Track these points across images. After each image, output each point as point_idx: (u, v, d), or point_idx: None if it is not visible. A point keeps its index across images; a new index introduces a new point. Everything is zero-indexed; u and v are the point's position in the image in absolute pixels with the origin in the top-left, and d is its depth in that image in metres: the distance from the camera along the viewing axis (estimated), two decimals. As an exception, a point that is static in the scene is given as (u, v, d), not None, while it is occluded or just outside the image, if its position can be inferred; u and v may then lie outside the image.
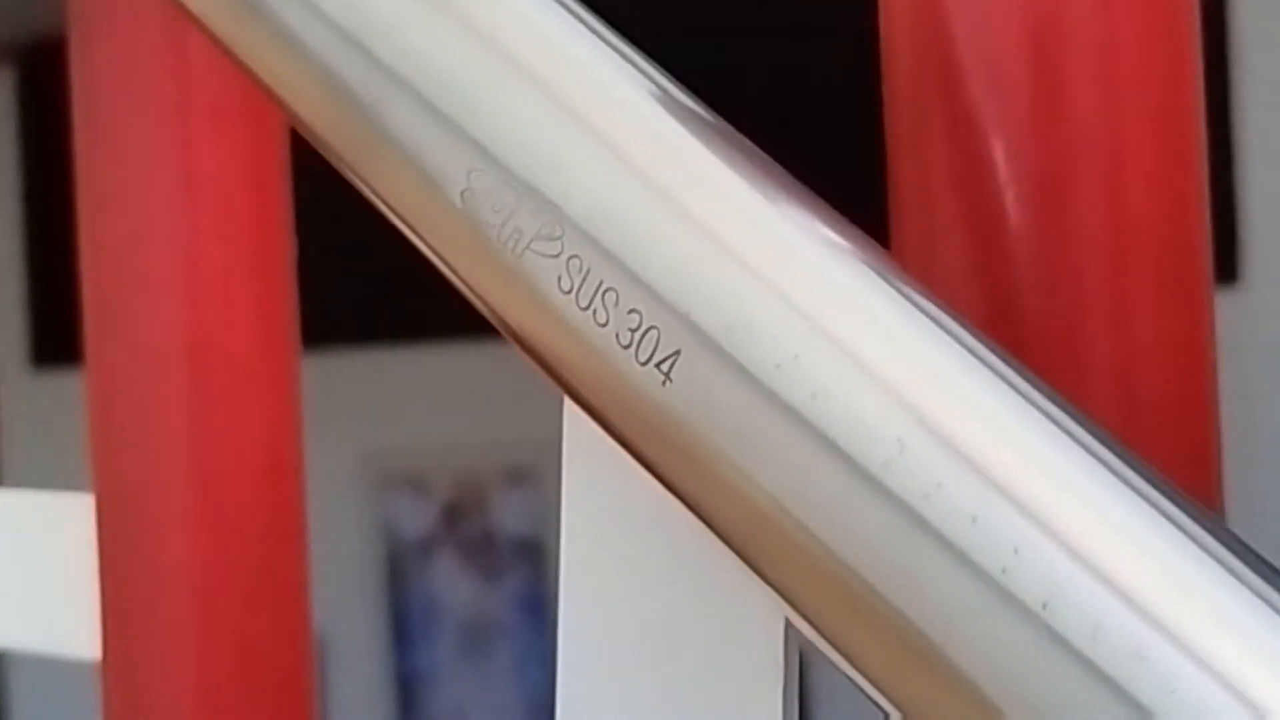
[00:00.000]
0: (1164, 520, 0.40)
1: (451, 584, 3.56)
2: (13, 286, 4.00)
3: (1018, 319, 0.55)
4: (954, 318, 0.44)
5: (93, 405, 0.84)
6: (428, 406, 3.41)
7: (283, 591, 0.83)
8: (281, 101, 0.52)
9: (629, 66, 0.48)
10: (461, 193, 0.47)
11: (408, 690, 3.54)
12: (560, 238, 0.46)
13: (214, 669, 0.82)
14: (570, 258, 0.45)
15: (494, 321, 0.48)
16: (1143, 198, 0.56)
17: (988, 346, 0.43)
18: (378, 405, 3.43)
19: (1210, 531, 0.40)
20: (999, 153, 0.55)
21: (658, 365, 0.44)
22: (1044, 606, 0.39)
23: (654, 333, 0.44)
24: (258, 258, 0.82)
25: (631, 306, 0.44)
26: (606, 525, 0.49)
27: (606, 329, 0.45)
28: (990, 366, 0.43)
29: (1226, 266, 2.30)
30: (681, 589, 0.48)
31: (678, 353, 0.44)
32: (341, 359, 3.10)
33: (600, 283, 0.45)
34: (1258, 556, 0.40)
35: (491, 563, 3.50)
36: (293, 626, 0.83)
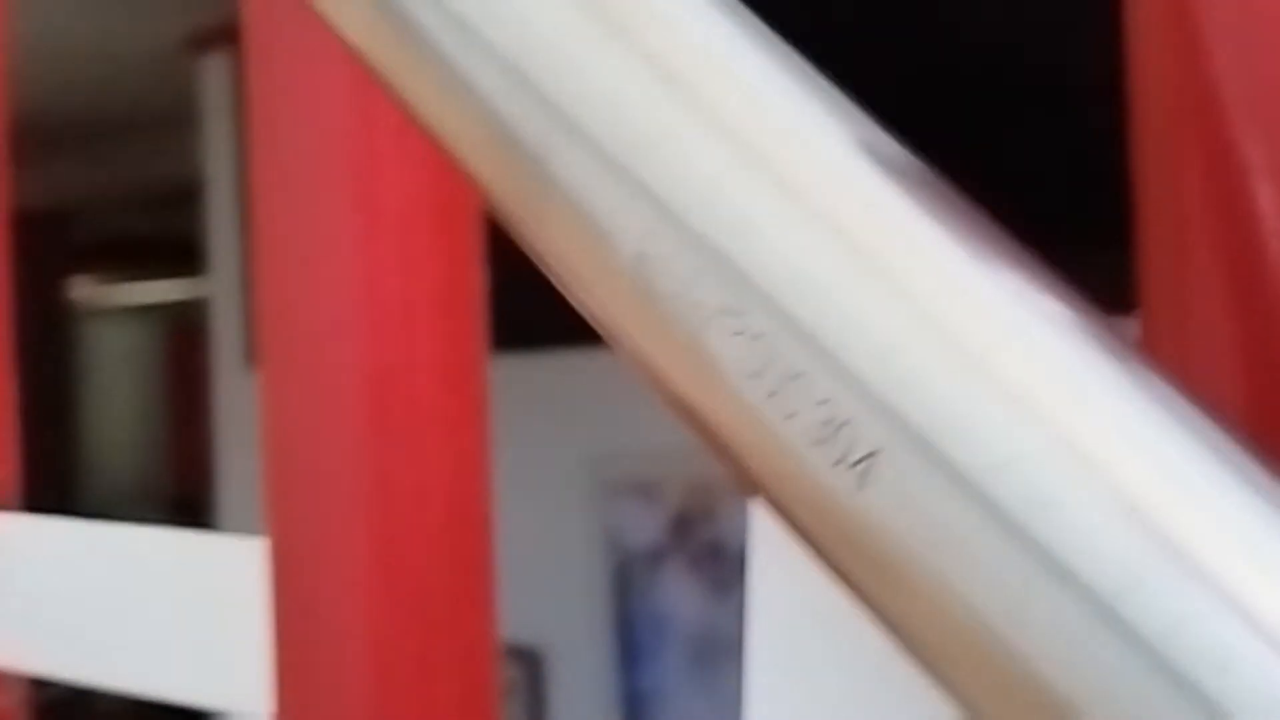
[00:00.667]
0: None
1: (681, 597, 3.53)
2: (232, 283, 4.06)
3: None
4: (1207, 416, 0.39)
5: (268, 443, 0.81)
6: (658, 410, 3.38)
7: (467, 652, 0.80)
8: (441, 141, 0.49)
9: (835, 114, 0.44)
10: (637, 255, 0.43)
11: (635, 709, 3.52)
12: (746, 313, 0.41)
13: (392, 733, 0.79)
14: (756, 337, 0.41)
15: (670, 404, 0.44)
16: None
17: (1249, 453, 0.39)
18: (605, 408, 3.42)
19: None
20: (1267, 200, 0.50)
21: (852, 466, 0.40)
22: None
23: (849, 429, 0.40)
24: (444, 289, 0.79)
25: (824, 397, 0.40)
26: (793, 637, 0.45)
27: (794, 421, 0.41)
28: (1249, 479, 0.38)
29: None
30: (869, 712, 0.44)
31: (876, 453, 0.39)
32: (567, 359, 3.09)
33: (790, 367, 0.41)
34: None
35: (722, 574, 3.47)
36: (477, 690, 0.80)
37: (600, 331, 0.46)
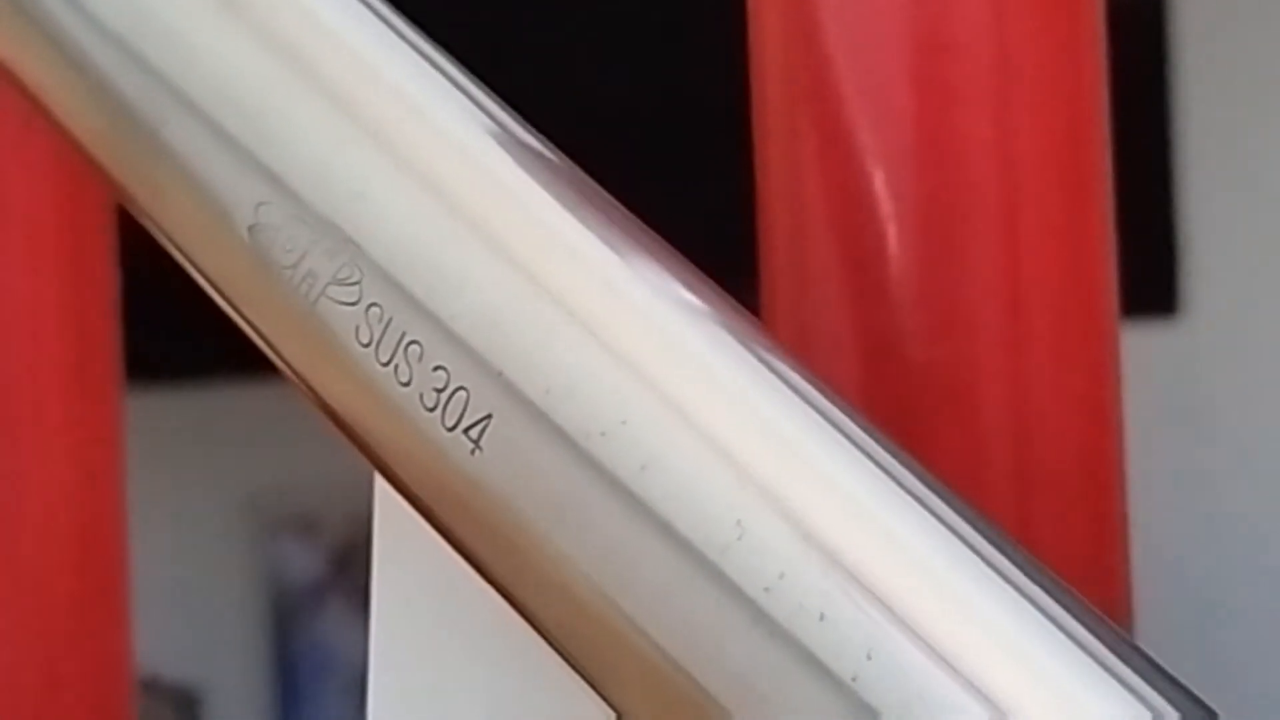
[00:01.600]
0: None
1: (343, 632, 3.50)
2: None
3: (901, 369, 0.51)
4: (811, 382, 0.40)
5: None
6: (316, 444, 3.35)
7: (97, 676, 0.78)
8: (55, 117, 0.48)
9: (447, 84, 0.44)
10: (249, 228, 0.43)
11: (294, 748, 3.48)
12: (359, 282, 0.41)
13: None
14: (370, 305, 0.41)
15: (287, 376, 0.44)
16: (1040, 235, 0.52)
17: (848, 415, 0.40)
18: (263, 443, 3.38)
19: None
20: (880, 185, 0.52)
21: (466, 431, 0.40)
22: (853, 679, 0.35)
23: (462, 394, 0.40)
24: (73, 302, 0.77)
25: (438, 363, 0.40)
26: (420, 614, 0.45)
27: (409, 389, 0.41)
28: (849, 438, 0.39)
29: (1166, 298, 2.28)
30: (502, 689, 0.44)
31: (489, 417, 0.40)
32: (223, 394, 3.05)
33: (403, 335, 0.41)
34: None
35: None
36: (108, 706, 0.79)
37: (221, 306, 0.46)
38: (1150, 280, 2.16)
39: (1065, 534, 0.52)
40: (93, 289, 0.79)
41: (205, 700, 3.25)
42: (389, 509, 0.44)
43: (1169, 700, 0.37)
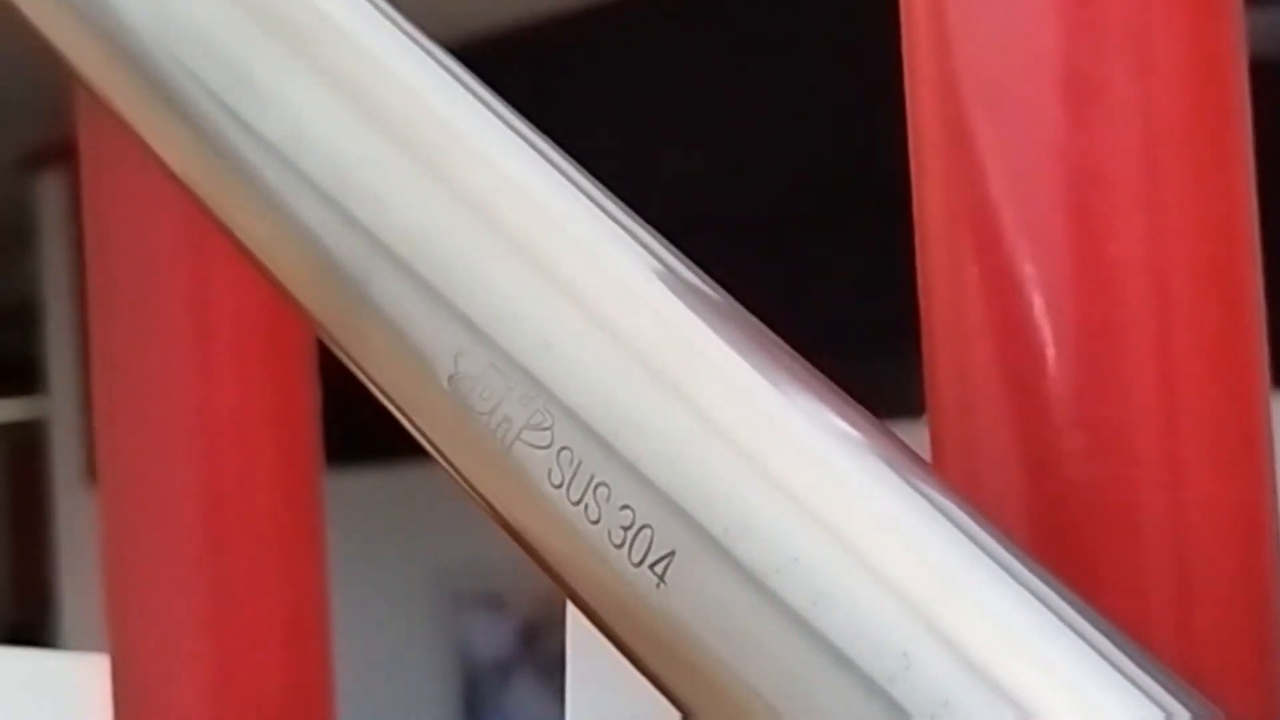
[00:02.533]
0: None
1: (531, 706, 3.54)
2: (70, 402, 4.04)
3: (1062, 488, 0.54)
4: (971, 513, 0.43)
5: (107, 562, 0.84)
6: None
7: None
8: (267, 271, 0.52)
9: (627, 236, 0.48)
10: (449, 378, 0.47)
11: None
12: (550, 427, 0.45)
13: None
14: (561, 449, 0.45)
15: (488, 515, 0.48)
16: (1192, 354, 0.55)
17: (1002, 543, 0.43)
18: (452, 521, 3.43)
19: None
20: (1039, 308, 0.55)
21: (651, 567, 0.43)
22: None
23: (648, 532, 0.43)
24: (278, 407, 0.82)
25: (624, 503, 0.44)
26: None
27: (599, 526, 0.44)
28: (1007, 567, 0.42)
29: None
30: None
31: (672, 554, 0.43)
32: (412, 472, 3.11)
33: (592, 477, 0.44)
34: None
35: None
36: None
37: (424, 447, 0.49)
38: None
39: (1225, 648, 0.54)
40: (297, 400, 0.83)
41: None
42: (581, 637, 0.48)
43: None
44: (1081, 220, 0.55)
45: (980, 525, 0.43)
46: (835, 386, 0.46)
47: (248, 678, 0.81)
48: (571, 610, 0.47)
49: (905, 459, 0.45)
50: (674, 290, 0.46)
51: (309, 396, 0.83)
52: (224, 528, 0.81)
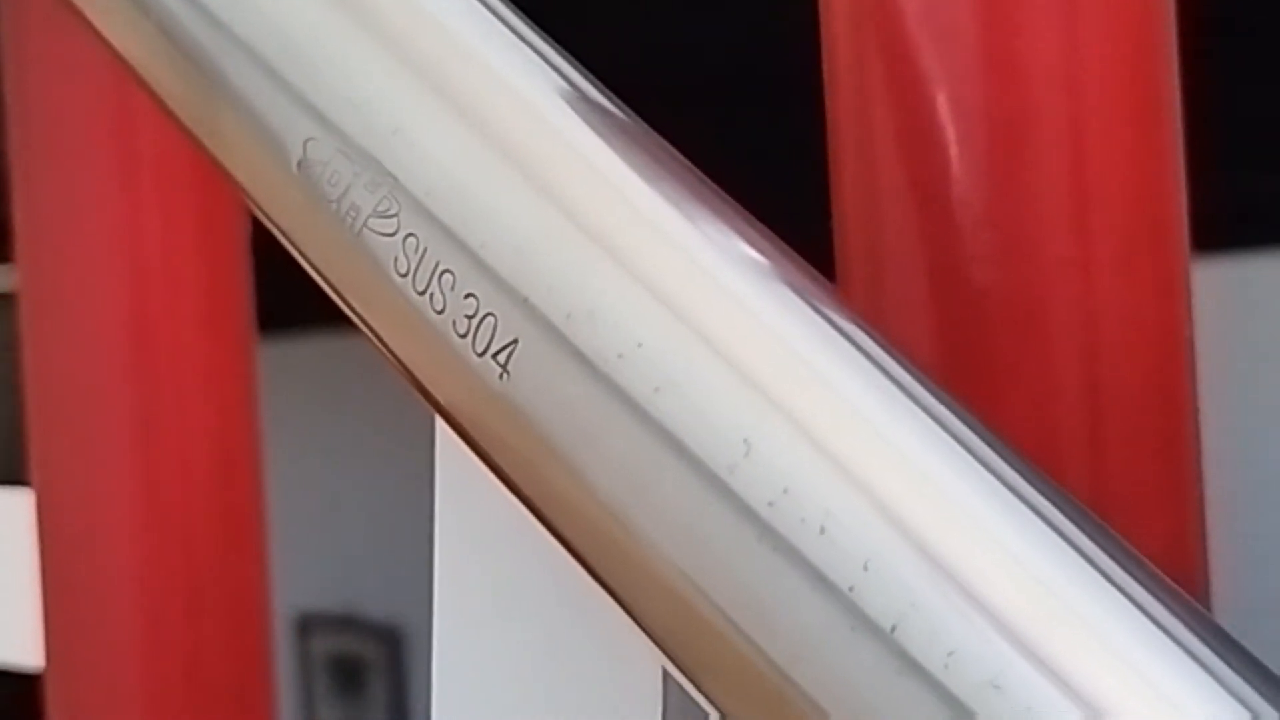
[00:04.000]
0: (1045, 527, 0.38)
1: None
2: None
3: (969, 293, 0.52)
4: (829, 305, 0.41)
5: (31, 393, 0.82)
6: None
7: (237, 596, 0.81)
8: (125, 60, 0.51)
9: (490, 21, 0.46)
10: (298, 163, 0.45)
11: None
12: (397, 214, 0.43)
13: (161, 678, 0.80)
14: (407, 236, 0.43)
15: (337, 302, 0.46)
16: (1107, 156, 0.53)
17: (869, 335, 0.41)
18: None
19: (1090, 536, 0.37)
20: (945, 108, 0.53)
21: (494, 356, 0.42)
22: (893, 629, 0.36)
23: (490, 320, 0.42)
24: (205, 236, 0.81)
25: (469, 291, 0.42)
26: (480, 541, 0.47)
27: (443, 316, 0.43)
28: (862, 354, 0.40)
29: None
30: (559, 612, 0.46)
31: (515, 342, 0.41)
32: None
33: (437, 264, 0.43)
34: (1138, 561, 0.37)
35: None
36: (248, 633, 0.82)
37: (279, 239, 0.48)
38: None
39: (1135, 455, 0.52)
40: (225, 231, 0.81)
41: (409, 638, 3.31)
42: (447, 445, 0.46)
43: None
44: (989, 13, 0.52)
45: (833, 311, 0.41)
46: (706, 179, 0.44)
47: (175, 507, 0.80)
48: (441, 424, 0.46)
49: (775, 251, 0.43)
50: (528, 74, 0.45)
51: (236, 221, 0.81)
52: (149, 357, 0.80)
